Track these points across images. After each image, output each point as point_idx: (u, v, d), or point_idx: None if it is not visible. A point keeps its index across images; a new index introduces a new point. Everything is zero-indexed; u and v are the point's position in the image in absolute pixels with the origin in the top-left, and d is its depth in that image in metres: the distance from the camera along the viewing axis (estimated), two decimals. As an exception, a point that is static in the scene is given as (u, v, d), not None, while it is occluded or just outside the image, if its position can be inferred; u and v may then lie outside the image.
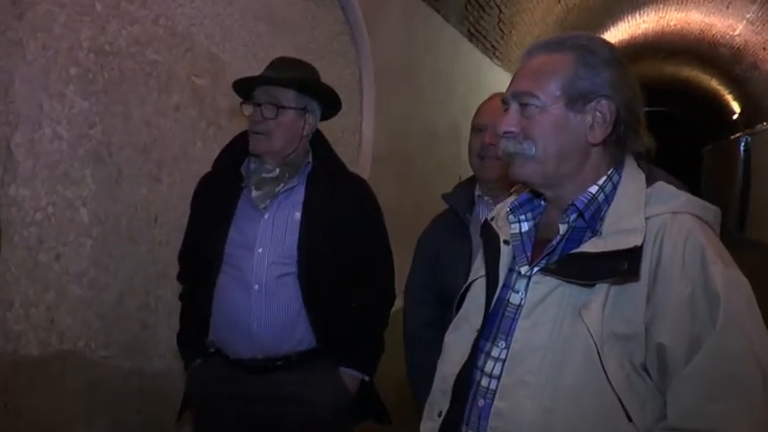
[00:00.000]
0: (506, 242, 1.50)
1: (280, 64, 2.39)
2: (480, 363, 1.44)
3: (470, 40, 7.45)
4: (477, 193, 2.30)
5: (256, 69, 2.58)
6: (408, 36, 5.67)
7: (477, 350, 1.47)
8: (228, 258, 2.26)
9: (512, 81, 1.48)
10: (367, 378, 2.39)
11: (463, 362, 1.48)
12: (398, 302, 2.48)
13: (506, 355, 1.39)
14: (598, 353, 1.28)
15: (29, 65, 2.17)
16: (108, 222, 2.52)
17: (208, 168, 2.49)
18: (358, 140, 4.80)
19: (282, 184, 2.28)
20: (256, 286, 2.21)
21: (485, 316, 1.48)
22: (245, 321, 2.21)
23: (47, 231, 2.27)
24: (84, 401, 2.44)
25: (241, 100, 2.34)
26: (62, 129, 2.31)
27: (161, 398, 2.80)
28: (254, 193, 2.28)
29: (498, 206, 1.63)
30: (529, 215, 1.52)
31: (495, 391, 1.38)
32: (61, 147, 2.31)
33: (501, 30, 8.26)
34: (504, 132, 1.43)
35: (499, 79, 8.40)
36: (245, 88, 2.34)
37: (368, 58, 4.71)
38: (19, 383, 2.17)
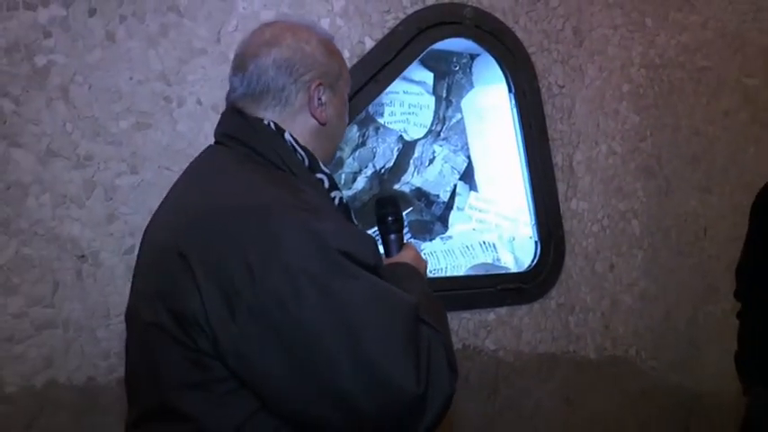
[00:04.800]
0: None
1: None
2: None
3: None
4: None
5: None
6: None
7: None
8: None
9: None
10: None
11: None
12: None
13: None
14: None
15: (587, 87, 2.34)
16: (657, 234, 2.53)
17: (760, 178, 2.28)
18: None
19: None
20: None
21: None
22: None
23: (602, 242, 2.41)
24: (636, 408, 2.50)
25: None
26: (616, 144, 2.42)
27: (710, 418, 2.67)
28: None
29: None
30: None
31: None
32: (615, 162, 2.43)
33: None
34: None
35: None
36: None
37: None
38: (578, 382, 2.36)
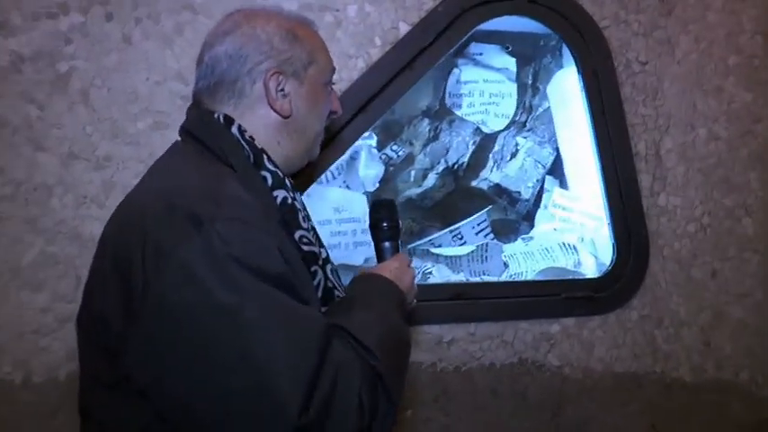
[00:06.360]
0: None
1: None
2: None
3: None
4: None
5: None
6: None
7: None
8: None
9: None
10: None
11: None
12: None
13: None
14: None
15: (679, 63, 2.00)
16: (780, 235, 2.11)
17: None
18: None
19: None
20: None
21: None
22: None
23: (701, 244, 2.05)
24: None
25: None
26: (719, 128, 2.05)
27: None
28: None
29: None
30: None
31: None
32: (719, 148, 2.05)
33: None
34: None
35: None
36: None
37: None
38: (668, 407, 2.02)
